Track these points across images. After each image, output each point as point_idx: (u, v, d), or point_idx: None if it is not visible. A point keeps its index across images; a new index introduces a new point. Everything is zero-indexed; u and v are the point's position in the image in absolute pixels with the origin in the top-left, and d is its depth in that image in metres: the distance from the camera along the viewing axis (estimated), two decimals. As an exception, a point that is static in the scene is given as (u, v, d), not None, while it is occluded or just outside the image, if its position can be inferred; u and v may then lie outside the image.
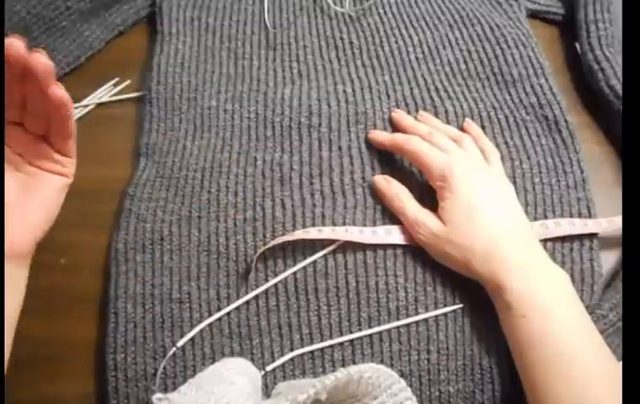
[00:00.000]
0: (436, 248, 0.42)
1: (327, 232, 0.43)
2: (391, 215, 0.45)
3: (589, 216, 0.45)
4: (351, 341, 0.41)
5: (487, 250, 0.39)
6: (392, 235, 0.43)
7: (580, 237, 0.44)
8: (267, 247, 0.43)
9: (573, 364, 0.35)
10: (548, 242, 0.44)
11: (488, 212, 0.41)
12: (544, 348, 0.36)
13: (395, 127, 0.49)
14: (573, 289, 0.38)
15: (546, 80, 0.51)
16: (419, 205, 0.43)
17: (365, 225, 0.44)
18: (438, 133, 0.46)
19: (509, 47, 0.53)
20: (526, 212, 0.44)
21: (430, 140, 0.45)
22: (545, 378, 0.35)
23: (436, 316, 0.41)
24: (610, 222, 0.44)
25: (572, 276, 0.42)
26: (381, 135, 0.48)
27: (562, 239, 0.44)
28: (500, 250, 0.39)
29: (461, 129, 0.48)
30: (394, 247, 0.43)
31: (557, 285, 0.38)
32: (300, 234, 0.43)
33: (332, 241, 0.43)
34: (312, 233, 0.43)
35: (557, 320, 0.36)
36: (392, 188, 0.45)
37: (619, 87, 0.49)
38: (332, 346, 0.41)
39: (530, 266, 0.39)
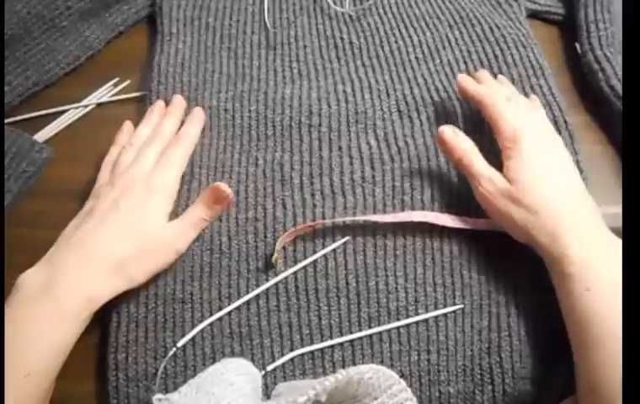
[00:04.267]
0: (498, 207, 0.41)
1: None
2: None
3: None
4: (351, 341, 0.41)
5: (553, 216, 0.38)
6: (412, 216, 0.44)
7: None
8: (292, 232, 0.43)
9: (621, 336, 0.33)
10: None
11: (557, 179, 0.40)
12: (608, 324, 0.34)
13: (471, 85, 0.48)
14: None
15: (546, 81, 0.51)
16: (488, 165, 0.43)
17: (363, 225, 0.44)
18: (516, 97, 0.46)
19: (508, 48, 0.53)
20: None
21: (509, 101, 0.45)
22: (609, 355, 0.33)
23: (436, 317, 0.41)
24: (604, 208, 0.44)
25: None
26: (468, 82, 0.47)
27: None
28: (567, 218, 0.38)
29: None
30: (394, 247, 0.43)
31: (615, 259, 0.37)
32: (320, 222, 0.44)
33: (332, 241, 0.43)
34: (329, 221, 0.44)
35: (612, 294, 0.35)
36: (462, 144, 0.44)
37: (619, 87, 0.49)
38: (332, 346, 0.41)
39: (596, 238, 0.38)
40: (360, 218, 0.44)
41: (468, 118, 0.50)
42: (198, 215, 0.43)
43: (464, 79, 0.48)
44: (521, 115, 0.44)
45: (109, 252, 0.40)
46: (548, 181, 0.40)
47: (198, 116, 0.50)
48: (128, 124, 0.50)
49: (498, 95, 0.45)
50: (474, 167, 0.42)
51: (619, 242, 0.38)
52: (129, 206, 0.42)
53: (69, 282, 0.38)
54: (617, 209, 0.43)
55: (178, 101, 0.51)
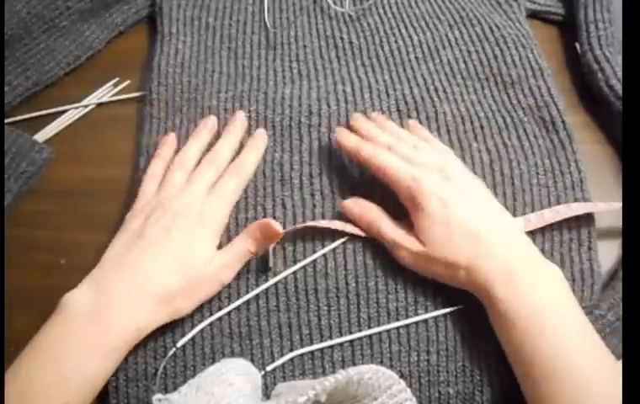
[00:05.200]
0: (422, 269, 0.41)
1: (338, 225, 0.43)
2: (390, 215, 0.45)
3: (587, 217, 0.45)
4: (351, 341, 0.41)
5: (471, 262, 0.38)
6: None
7: (579, 237, 0.44)
8: (293, 228, 0.43)
9: (571, 366, 0.34)
10: (546, 243, 0.43)
11: (467, 222, 0.39)
12: (539, 354, 0.34)
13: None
14: (565, 285, 0.37)
15: (545, 81, 0.51)
16: (396, 227, 0.42)
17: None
18: (399, 143, 0.44)
19: (508, 48, 0.53)
20: (524, 212, 0.44)
21: (395, 150, 0.43)
22: (544, 382, 0.34)
23: (436, 318, 0.41)
24: (608, 205, 0.44)
25: (571, 276, 0.42)
26: (349, 140, 0.45)
27: (561, 239, 0.44)
28: (485, 260, 0.38)
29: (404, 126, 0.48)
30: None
31: (547, 286, 0.37)
32: (324, 223, 0.44)
33: (332, 240, 0.43)
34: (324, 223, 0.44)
35: (551, 323, 0.35)
36: (365, 215, 0.43)
37: (619, 87, 0.49)
38: (332, 346, 0.41)
39: (518, 270, 0.37)
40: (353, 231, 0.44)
41: (467, 118, 0.50)
42: (245, 248, 0.41)
43: (341, 135, 0.46)
44: (412, 159, 0.42)
45: (160, 284, 0.39)
46: (459, 228, 0.39)
47: (260, 142, 0.48)
48: (172, 137, 0.49)
49: (383, 153, 0.43)
50: (385, 235, 0.42)
51: (543, 263, 0.38)
52: (180, 237, 0.40)
53: (119, 313, 0.37)
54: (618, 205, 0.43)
55: (239, 120, 0.49)
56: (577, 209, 0.44)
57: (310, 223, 0.44)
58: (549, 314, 0.35)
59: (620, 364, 0.33)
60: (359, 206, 0.44)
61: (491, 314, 0.38)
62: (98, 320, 0.37)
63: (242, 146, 0.48)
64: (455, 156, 0.44)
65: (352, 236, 0.44)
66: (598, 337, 0.35)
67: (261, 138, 0.48)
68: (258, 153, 0.47)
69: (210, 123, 0.49)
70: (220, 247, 0.42)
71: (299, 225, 0.44)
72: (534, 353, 0.35)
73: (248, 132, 0.50)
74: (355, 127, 0.47)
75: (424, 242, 0.40)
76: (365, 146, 0.44)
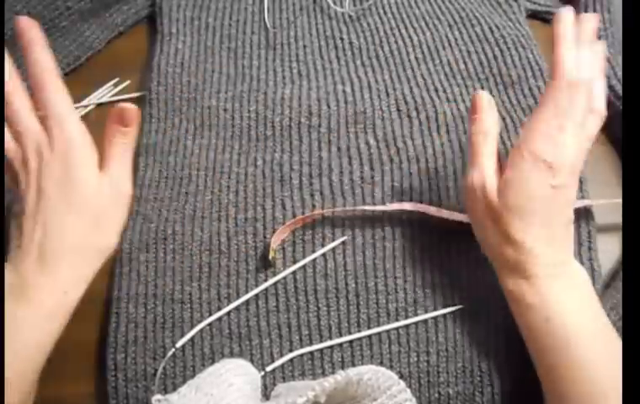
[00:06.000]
0: (475, 210, 0.38)
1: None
2: (389, 216, 0.45)
3: (587, 216, 0.45)
4: (351, 342, 0.41)
5: (526, 252, 0.36)
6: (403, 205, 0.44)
7: (579, 237, 0.44)
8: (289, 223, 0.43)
9: (595, 372, 0.33)
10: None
11: (550, 224, 0.36)
12: (566, 355, 0.34)
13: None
14: (593, 290, 0.37)
15: (545, 82, 0.51)
16: (493, 158, 0.39)
17: (363, 226, 0.44)
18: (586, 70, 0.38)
19: (508, 48, 0.53)
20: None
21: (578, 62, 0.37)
22: (566, 383, 0.34)
23: (435, 318, 0.41)
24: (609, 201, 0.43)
25: (571, 276, 0.42)
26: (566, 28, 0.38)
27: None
28: (540, 258, 0.36)
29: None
30: (394, 248, 0.43)
31: (580, 289, 0.36)
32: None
33: (331, 241, 0.43)
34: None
35: (581, 326, 0.35)
36: (487, 121, 0.39)
37: (618, 88, 0.49)
38: (331, 347, 0.41)
39: (558, 269, 0.36)
40: (349, 208, 0.44)
41: (467, 119, 0.50)
42: (118, 148, 0.40)
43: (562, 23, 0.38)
44: (566, 139, 0.37)
45: (65, 240, 0.38)
46: (538, 219, 0.36)
47: (33, 32, 0.40)
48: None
49: (571, 68, 0.37)
50: (479, 150, 0.39)
51: (577, 266, 0.37)
52: (55, 187, 0.38)
53: (39, 282, 0.37)
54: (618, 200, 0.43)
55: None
56: (577, 202, 0.43)
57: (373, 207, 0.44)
58: (578, 318, 0.35)
59: None
60: (491, 106, 0.39)
61: (519, 304, 0.37)
62: (23, 295, 0.36)
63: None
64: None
65: (352, 238, 0.44)
66: (620, 343, 0.35)
67: (31, 26, 0.40)
68: (39, 42, 0.40)
69: None
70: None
71: (293, 220, 0.44)
72: (558, 353, 0.34)
73: (248, 132, 0.50)
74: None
75: (500, 193, 0.37)
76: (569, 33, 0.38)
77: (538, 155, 0.36)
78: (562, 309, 0.35)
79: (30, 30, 0.40)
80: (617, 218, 0.45)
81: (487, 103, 0.40)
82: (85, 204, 0.38)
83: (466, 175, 0.39)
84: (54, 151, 0.38)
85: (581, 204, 0.44)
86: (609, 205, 0.45)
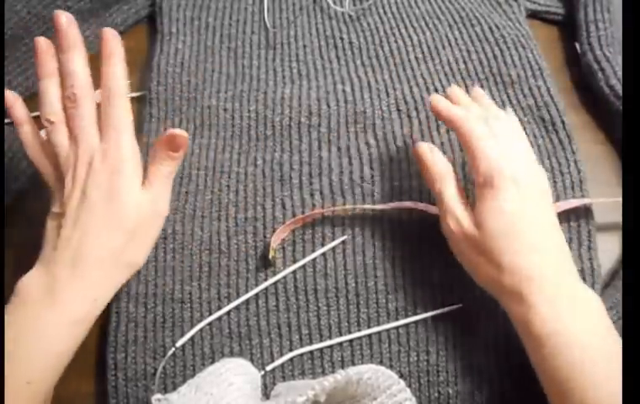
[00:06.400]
0: (461, 249, 0.39)
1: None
2: (389, 216, 0.45)
3: (587, 216, 0.45)
4: (350, 341, 0.41)
5: (519, 275, 0.35)
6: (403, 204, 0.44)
7: (579, 237, 0.44)
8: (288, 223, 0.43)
9: (606, 395, 0.32)
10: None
11: (530, 233, 0.36)
12: (572, 386, 0.32)
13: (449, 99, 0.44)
14: (604, 316, 0.35)
15: (544, 82, 0.51)
16: (459, 196, 0.39)
17: (363, 226, 0.44)
18: (495, 120, 0.41)
19: (508, 48, 0.53)
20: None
21: (488, 124, 0.40)
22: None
23: (435, 318, 0.41)
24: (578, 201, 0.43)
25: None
26: (441, 103, 0.42)
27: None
28: (535, 281, 0.35)
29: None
30: (393, 247, 0.43)
31: (588, 316, 0.34)
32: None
33: (332, 240, 0.43)
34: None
35: (589, 357, 0.33)
36: (437, 167, 0.40)
37: (619, 87, 0.49)
38: (331, 346, 0.41)
39: (563, 297, 0.34)
40: (349, 207, 0.44)
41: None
42: (163, 171, 0.41)
43: (437, 101, 0.42)
44: (502, 152, 0.38)
45: (102, 249, 0.38)
46: (520, 234, 0.36)
47: (114, 44, 0.40)
48: (12, 96, 0.41)
49: (476, 122, 0.40)
50: (443, 198, 0.39)
51: (584, 291, 0.36)
52: (100, 196, 0.38)
53: (72, 287, 0.37)
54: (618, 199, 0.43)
55: (63, 24, 0.40)
56: (577, 201, 0.43)
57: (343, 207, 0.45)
58: (586, 348, 0.33)
59: None
60: (433, 154, 0.41)
61: (522, 331, 0.36)
62: (53, 298, 0.37)
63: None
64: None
65: (352, 237, 0.44)
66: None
67: (112, 36, 0.40)
68: (120, 60, 0.40)
69: (42, 48, 0.40)
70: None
71: (292, 220, 0.44)
72: (564, 385, 0.33)
73: (248, 132, 0.50)
74: (450, 95, 0.45)
75: (480, 227, 0.37)
76: (459, 109, 0.42)
77: (496, 174, 0.37)
78: (569, 342, 0.33)
79: (113, 40, 0.40)
80: (617, 218, 0.45)
81: (428, 150, 0.41)
82: (125, 218, 0.39)
83: (442, 225, 0.40)
84: (105, 162, 0.39)
85: (581, 202, 0.44)
86: (609, 205, 0.45)
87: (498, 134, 0.40)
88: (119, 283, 0.40)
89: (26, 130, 0.41)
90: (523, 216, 0.37)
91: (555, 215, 0.39)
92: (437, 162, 0.41)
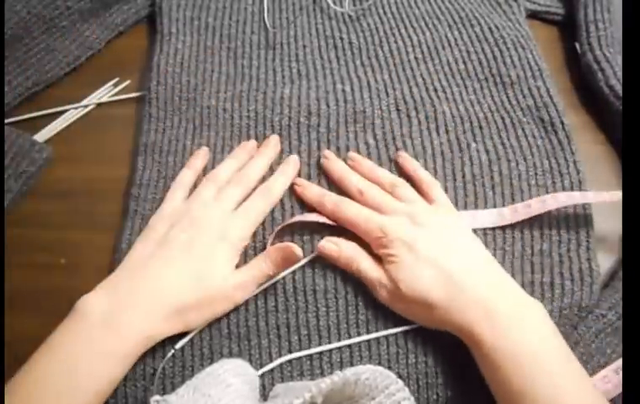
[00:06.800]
0: (398, 309, 0.40)
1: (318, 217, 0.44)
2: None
3: (585, 217, 0.44)
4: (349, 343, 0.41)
5: (445, 302, 0.37)
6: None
7: (577, 237, 0.44)
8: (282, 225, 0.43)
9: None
10: (545, 243, 0.43)
11: (438, 263, 0.38)
12: (529, 395, 0.33)
13: (325, 174, 0.47)
14: (548, 322, 0.36)
15: (544, 82, 0.51)
16: (376, 266, 0.41)
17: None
18: (370, 190, 0.44)
19: (507, 49, 0.53)
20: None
21: (363, 200, 0.43)
22: None
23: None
24: (612, 195, 0.43)
25: (570, 276, 0.42)
26: (311, 191, 0.45)
27: (559, 240, 0.44)
28: (461, 301, 0.37)
29: (397, 164, 0.47)
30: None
31: (532, 326, 0.36)
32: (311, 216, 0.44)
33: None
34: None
35: (534, 366, 0.34)
36: (344, 253, 0.42)
37: (619, 87, 0.49)
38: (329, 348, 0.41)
39: (500, 312, 0.36)
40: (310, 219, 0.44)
41: (466, 119, 0.50)
42: (264, 271, 0.41)
43: (302, 187, 0.45)
44: (381, 207, 0.42)
45: (176, 296, 0.39)
46: (429, 267, 0.38)
47: (292, 167, 0.47)
48: (205, 150, 0.48)
49: (347, 204, 0.43)
50: (363, 275, 0.41)
51: (525, 299, 0.37)
52: (201, 251, 0.40)
53: (133, 320, 0.37)
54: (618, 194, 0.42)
55: (273, 142, 0.48)
56: (564, 200, 0.43)
57: (297, 217, 0.44)
58: (530, 358, 0.34)
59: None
60: (337, 246, 0.42)
61: (475, 355, 0.37)
62: (112, 326, 0.37)
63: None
64: (435, 182, 0.45)
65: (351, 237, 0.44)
66: (583, 372, 0.34)
67: (293, 163, 0.47)
68: (288, 178, 0.46)
69: (249, 145, 0.48)
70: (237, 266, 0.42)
71: (290, 220, 0.44)
72: (524, 394, 0.33)
73: (248, 132, 0.50)
74: (326, 167, 0.47)
75: (397, 283, 0.39)
76: (328, 199, 0.44)
77: (384, 235, 0.40)
78: (512, 354, 0.34)
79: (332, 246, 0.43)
80: (617, 218, 0.45)
81: (331, 244, 0.42)
82: (207, 284, 0.40)
83: (377, 297, 0.41)
84: (220, 227, 0.42)
85: (569, 201, 0.43)
86: (609, 206, 0.45)
87: (377, 201, 0.43)
88: (170, 332, 0.39)
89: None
90: (428, 256, 0.39)
91: (466, 230, 0.41)
92: (343, 250, 0.42)
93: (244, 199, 0.45)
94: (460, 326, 0.37)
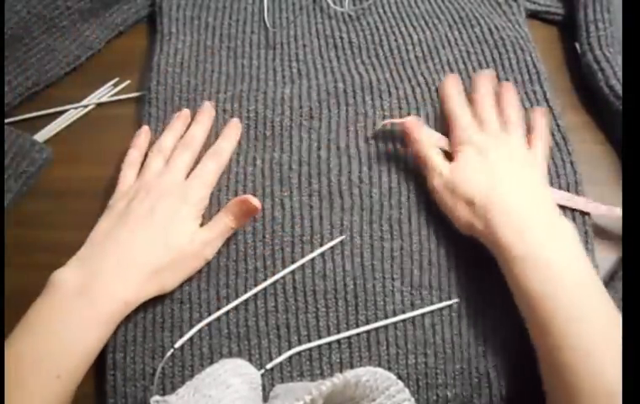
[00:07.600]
0: (443, 199, 0.42)
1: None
2: (388, 216, 0.45)
3: (584, 216, 0.45)
4: (349, 344, 0.41)
5: (488, 205, 0.39)
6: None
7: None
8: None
9: (579, 325, 0.34)
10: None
11: (495, 171, 0.41)
12: (545, 310, 0.35)
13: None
14: (577, 243, 0.38)
15: (541, 86, 0.51)
16: (443, 156, 0.44)
17: (362, 226, 0.44)
18: (490, 108, 0.46)
19: (506, 51, 0.53)
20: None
21: (479, 109, 0.45)
22: (551, 338, 0.34)
23: (432, 320, 0.41)
24: (609, 210, 0.44)
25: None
26: (448, 89, 0.48)
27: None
28: (498, 204, 0.39)
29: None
30: (392, 249, 0.43)
31: (559, 242, 0.38)
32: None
33: (330, 240, 0.43)
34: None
35: (560, 279, 0.36)
36: (422, 135, 0.45)
37: (618, 87, 0.49)
38: (330, 348, 0.41)
39: (532, 224, 0.38)
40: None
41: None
42: (226, 224, 0.43)
43: (448, 85, 0.48)
44: (484, 122, 0.44)
45: (146, 258, 0.40)
46: (487, 175, 0.41)
47: (234, 130, 0.49)
48: (146, 129, 0.50)
49: (456, 92, 0.47)
50: (430, 159, 0.44)
51: (558, 219, 0.39)
52: (165, 215, 0.42)
53: (107, 286, 0.39)
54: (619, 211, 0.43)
55: (207, 109, 0.50)
56: (579, 202, 0.44)
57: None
58: (557, 271, 0.36)
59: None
60: (419, 125, 0.46)
61: (500, 262, 0.39)
62: (87, 294, 0.38)
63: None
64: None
65: (350, 238, 0.44)
66: (607, 296, 0.36)
67: (235, 126, 0.49)
68: (233, 141, 0.49)
69: (183, 114, 0.50)
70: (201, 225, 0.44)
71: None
72: (539, 309, 0.35)
73: (248, 132, 0.50)
74: (475, 84, 0.49)
75: (455, 175, 0.42)
76: (459, 108, 0.47)
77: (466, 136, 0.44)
78: (539, 264, 0.36)
79: (417, 126, 0.46)
80: (617, 219, 0.45)
81: (416, 123, 0.46)
82: (176, 244, 0.41)
83: (428, 184, 0.44)
84: (180, 191, 0.43)
85: (580, 206, 0.44)
86: (608, 205, 0.45)
87: (483, 114, 0.45)
88: (147, 295, 0.40)
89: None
90: (486, 165, 0.42)
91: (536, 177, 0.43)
92: (422, 133, 0.45)
93: (194, 164, 0.46)
94: (489, 232, 0.39)
